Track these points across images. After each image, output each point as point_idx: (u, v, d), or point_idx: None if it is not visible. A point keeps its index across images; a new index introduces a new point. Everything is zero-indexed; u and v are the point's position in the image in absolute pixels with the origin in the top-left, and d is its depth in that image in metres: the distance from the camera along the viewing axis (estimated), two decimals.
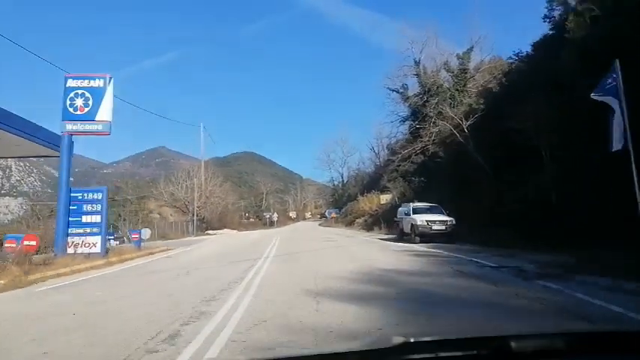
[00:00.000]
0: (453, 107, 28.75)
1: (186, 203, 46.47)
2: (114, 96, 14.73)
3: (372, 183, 45.95)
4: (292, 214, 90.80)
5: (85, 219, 14.11)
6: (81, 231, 13.99)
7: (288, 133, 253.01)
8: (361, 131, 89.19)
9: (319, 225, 54.69)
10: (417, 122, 34.56)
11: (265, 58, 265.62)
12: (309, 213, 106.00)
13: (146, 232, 20.30)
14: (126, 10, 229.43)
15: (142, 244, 19.64)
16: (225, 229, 47.00)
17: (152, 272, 11.02)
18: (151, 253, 17.19)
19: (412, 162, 34.19)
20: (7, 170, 73.85)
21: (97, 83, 14.40)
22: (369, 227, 35.18)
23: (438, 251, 13.81)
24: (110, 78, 14.65)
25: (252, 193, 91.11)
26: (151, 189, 50.81)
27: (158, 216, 48.77)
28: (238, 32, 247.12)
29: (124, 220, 39.20)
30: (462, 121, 24.61)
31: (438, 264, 10.29)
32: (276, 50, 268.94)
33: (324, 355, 1.38)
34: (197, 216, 43.84)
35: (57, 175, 15.60)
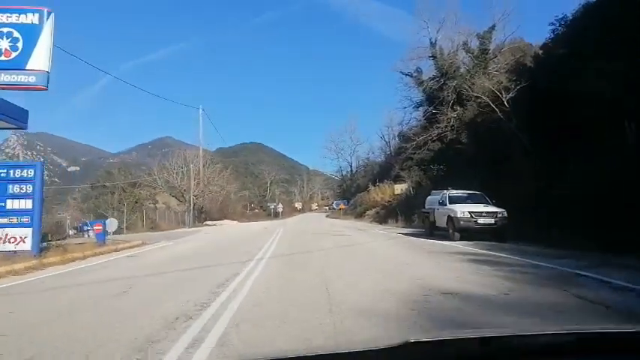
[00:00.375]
0: (472, 91, 25.07)
1: (183, 191, 42.76)
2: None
3: (383, 172, 42.36)
4: (298, 205, 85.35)
5: (10, 204, 10.30)
6: (4, 221, 10.18)
7: (296, 125, 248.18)
8: (370, 120, 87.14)
9: (327, 217, 50.23)
10: (432, 107, 31.57)
11: (273, 47, 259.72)
12: (316, 204, 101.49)
13: (112, 224, 16.40)
14: (129, 9, 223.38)
15: (110, 237, 15.86)
16: (226, 220, 43.23)
17: (78, 286, 7.16)
18: (115, 250, 13.40)
19: (429, 149, 31.33)
20: None
21: (31, 19, 10.45)
22: (381, 219, 32.04)
23: (498, 254, 9.87)
24: (49, 13, 10.68)
25: (257, 183, 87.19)
26: (148, 176, 47.09)
27: (162, 205, 45.08)
28: (248, 21, 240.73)
29: (113, 208, 35.53)
30: (500, 93, 20.49)
31: (529, 282, 6.31)
32: (285, 39, 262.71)
33: (324, 356, 1.35)
34: (195, 205, 40.18)
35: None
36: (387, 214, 32.24)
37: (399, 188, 33.71)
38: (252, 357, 1.57)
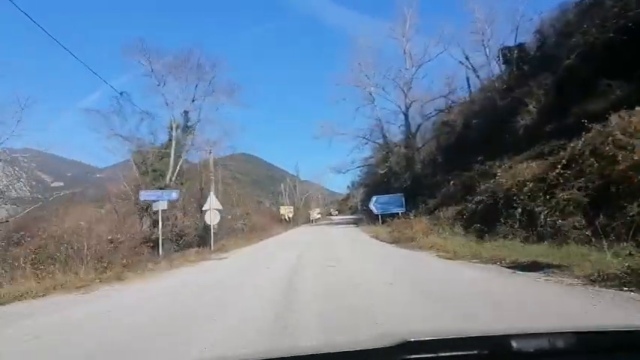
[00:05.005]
0: None
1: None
2: None
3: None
4: (285, 212, 52.86)
5: None
6: None
7: (288, 137, 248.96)
8: None
9: (371, 236, 23.61)
10: None
11: (263, 60, 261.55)
12: (317, 212, 70.44)
13: None
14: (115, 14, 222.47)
15: None
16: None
17: None
18: None
19: None
20: None
21: None
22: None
23: None
24: None
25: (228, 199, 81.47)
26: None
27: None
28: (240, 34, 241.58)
29: None
30: None
31: None
32: (275, 52, 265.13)
33: (325, 355, 1.37)
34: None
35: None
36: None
37: None
38: (259, 357, 1.68)
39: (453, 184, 22.99)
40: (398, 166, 34.42)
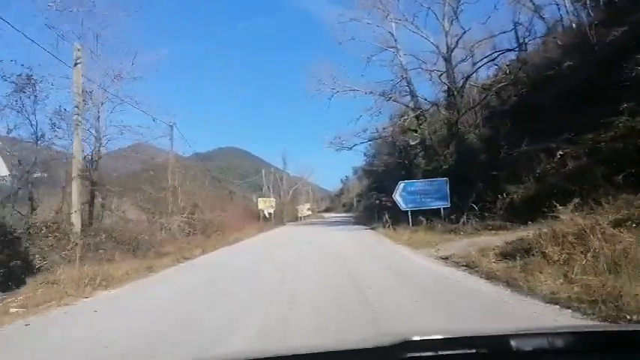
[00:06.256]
0: None
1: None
2: None
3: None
4: (265, 207, 39.33)
5: None
6: None
7: (277, 131, 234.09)
8: None
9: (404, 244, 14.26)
10: None
11: (252, 53, 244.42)
12: (307, 207, 56.96)
13: None
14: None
15: None
16: None
17: None
18: None
19: None
20: None
21: None
22: None
23: None
24: None
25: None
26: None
27: None
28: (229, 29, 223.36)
29: None
30: None
31: None
32: (265, 47, 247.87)
33: (325, 354, 1.36)
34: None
35: None
36: None
37: None
38: (259, 357, 1.45)
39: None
40: (434, 138, 22.03)
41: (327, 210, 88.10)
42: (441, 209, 17.42)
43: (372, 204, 33.23)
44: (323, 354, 1.35)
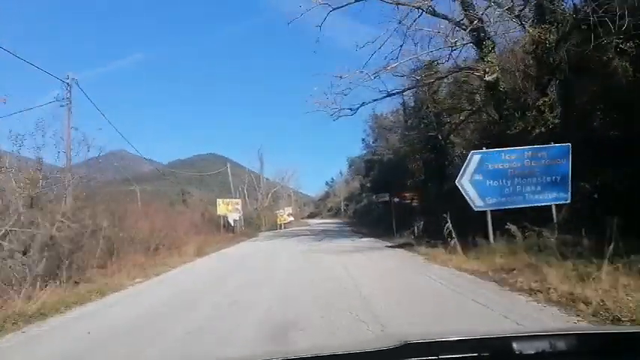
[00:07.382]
0: None
1: None
2: None
3: None
4: (228, 213, 29.31)
5: None
6: None
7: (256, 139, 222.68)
8: None
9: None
10: None
11: (237, 60, 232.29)
12: (288, 212, 45.48)
13: None
14: (89, 12, 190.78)
15: None
16: None
17: None
18: None
19: None
20: None
21: None
22: None
23: None
24: None
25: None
26: None
27: None
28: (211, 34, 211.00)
29: None
30: None
31: None
32: (249, 54, 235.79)
33: (326, 357, 1.34)
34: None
35: None
36: None
37: None
38: (252, 358, 1.53)
39: None
40: (508, 80, 13.07)
41: (312, 216, 78.19)
42: (552, 207, 8.86)
43: (372, 205, 25.35)
44: (325, 357, 1.34)
